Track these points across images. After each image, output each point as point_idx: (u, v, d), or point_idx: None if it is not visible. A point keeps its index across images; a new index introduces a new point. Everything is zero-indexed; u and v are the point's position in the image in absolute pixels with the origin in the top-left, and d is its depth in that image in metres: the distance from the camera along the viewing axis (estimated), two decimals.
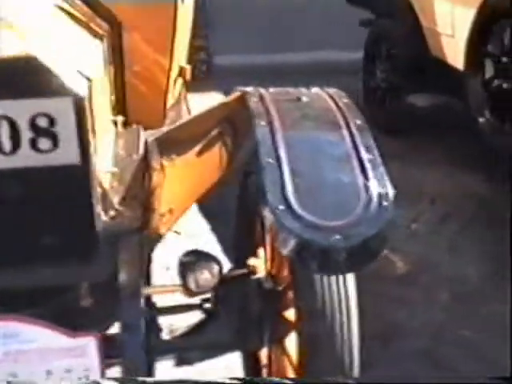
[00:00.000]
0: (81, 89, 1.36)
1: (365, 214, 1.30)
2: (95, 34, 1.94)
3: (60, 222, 1.43)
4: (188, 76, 2.38)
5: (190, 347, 1.72)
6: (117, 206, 1.55)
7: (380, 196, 1.34)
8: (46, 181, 1.39)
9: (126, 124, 2.09)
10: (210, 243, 2.90)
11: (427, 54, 4.14)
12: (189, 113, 2.57)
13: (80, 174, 1.38)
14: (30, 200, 1.41)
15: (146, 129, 2.07)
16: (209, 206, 2.70)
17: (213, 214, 3.16)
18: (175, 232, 2.22)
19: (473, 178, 3.76)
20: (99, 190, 1.47)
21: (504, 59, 3.41)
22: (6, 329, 1.40)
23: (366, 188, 1.35)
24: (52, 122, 1.32)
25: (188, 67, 2.37)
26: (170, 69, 2.15)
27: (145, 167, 1.79)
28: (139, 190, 1.68)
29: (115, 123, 2.02)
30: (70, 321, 1.45)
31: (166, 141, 1.89)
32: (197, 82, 3.55)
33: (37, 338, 1.41)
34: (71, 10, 1.86)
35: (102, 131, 1.66)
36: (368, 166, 1.39)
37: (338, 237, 1.26)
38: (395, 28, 4.42)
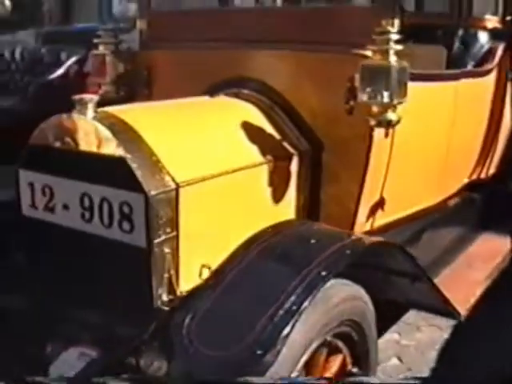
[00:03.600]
0: (158, 189, 1.74)
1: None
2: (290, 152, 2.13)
3: (124, 292, 1.79)
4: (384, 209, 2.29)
5: None
6: (179, 293, 1.81)
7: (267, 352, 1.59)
8: (124, 254, 1.79)
9: None
10: None
11: None
12: None
13: (144, 257, 1.75)
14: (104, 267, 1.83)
15: None
16: None
17: None
18: None
19: None
20: (166, 274, 1.78)
21: None
22: None
23: (259, 337, 1.60)
24: (131, 210, 1.75)
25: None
26: (359, 197, 2.16)
27: None
28: None
29: None
30: None
31: None
32: None
33: None
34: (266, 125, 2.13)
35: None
36: (280, 312, 1.64)
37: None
38: None
